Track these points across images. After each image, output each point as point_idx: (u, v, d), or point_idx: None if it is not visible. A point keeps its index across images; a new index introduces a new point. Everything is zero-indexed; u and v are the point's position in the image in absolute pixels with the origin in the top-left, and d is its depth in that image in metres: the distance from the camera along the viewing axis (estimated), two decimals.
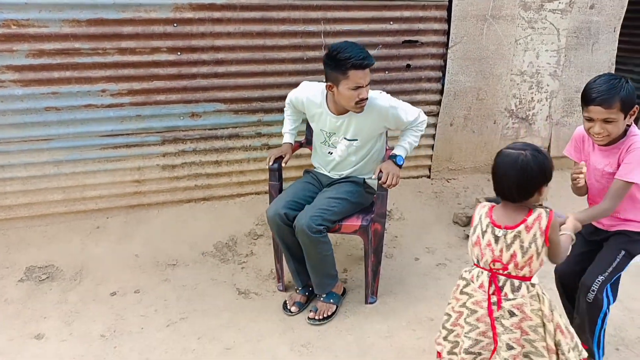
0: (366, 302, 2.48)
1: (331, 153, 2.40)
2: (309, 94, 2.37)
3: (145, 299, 2.47)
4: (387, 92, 3.20)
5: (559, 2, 3.46)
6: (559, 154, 3.83)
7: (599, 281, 1.83)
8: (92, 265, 2.69)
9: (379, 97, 2.29)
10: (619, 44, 3.74)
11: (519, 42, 3.47)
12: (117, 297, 2.49)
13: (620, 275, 1.90)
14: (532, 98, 3.65)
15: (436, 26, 3.26)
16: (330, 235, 3.12)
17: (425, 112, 3.43)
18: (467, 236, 3.02)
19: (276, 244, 2.49)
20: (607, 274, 1.84)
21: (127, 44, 2.74)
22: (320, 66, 3.08)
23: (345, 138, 2.33)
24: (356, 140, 2.34)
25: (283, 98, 3.02)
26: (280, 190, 2.47)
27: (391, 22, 3.13)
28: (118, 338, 2.20)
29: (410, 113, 2.35)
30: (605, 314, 1.87)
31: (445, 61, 3.35)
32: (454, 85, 3.41)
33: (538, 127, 3.74)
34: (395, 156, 2.33)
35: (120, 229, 2.93)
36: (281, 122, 3.11)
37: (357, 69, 2.10)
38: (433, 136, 3.52)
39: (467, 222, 3.19)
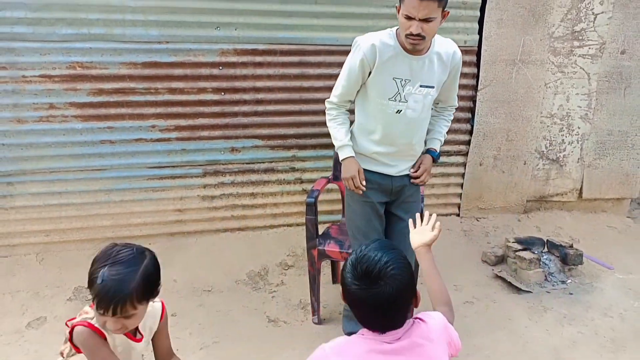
0: None
1: (400, 112, 2.03)
2: (380, 37, 1.98)
3: (181, 322, 2.61)
4: None
5: (589, 48, 3.55)
6: (591, 196, 3.84)
7: None
8: None
9: (456, 48, 2.08)
10: None
11: (549, 85, 3.55)
12: None
13: None
14: (563, 140, 3.69)
15: (466, 70, 3.38)
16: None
17: (454, 152, 3.58)
18: (496, 275, 3.07)
19: (312, 279, 2.56)
20: None
21: (177, 85, 3.00)
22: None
23: (421, 85, 2.02)
24: (432, 87, 2.04)
25: (317, 135, 3.24)
26: (317, 224, 2.52)
27: None
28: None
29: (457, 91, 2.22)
30: None
31: (474, 103, 3.47)
32: (484, 126, 3.51)
33: (569, 169, 3.76)
34: (433, 151, 2.22)
35: (161, 255, 3.02)
36: (315, 159, 3.31)
37: None
38: (462, 175, 3.60)
39: (496, 261, 3.22)
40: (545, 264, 3.10)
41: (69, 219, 3.06)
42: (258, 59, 3.05)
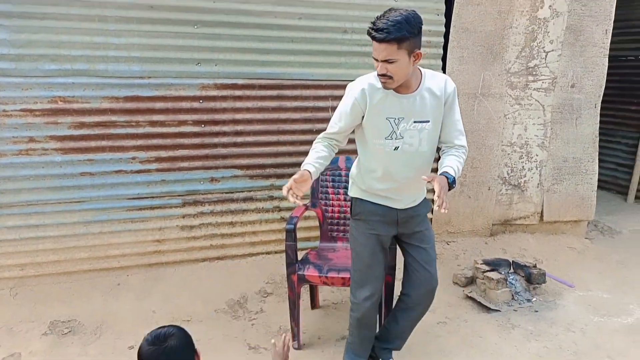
0: None
1: (397, 148, 2.08)
2: (369, 80, 2.06)
3: None
4: None
5: (542, 82, 3.86)
6: (551, 219, 4.08)
7: None
8: (112, 320, 2.86)
9: (447, 79, 2.10)
10: (607, 117, 4.09)
11: (508, 116, 3.83)
12: (134, 351, 2.60)
13: None
14: (523, 167, 3.95)
15: None
16: (334, 290, 3.32)
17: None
18: (467, 296, 3.22)
19: (292, 304, 2.62)
20: None
21: (158, 118, 3.09)
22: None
23: (415, 121, 2.05)
24: (427, 122, 2.07)
25: (295, 165, 3.37)
26: (296, 250, 2.61)
27: None
28: None
29: (461, 125, 2.16)
30: None
31: None
32: None
33: (530, 193, 4.00)
34: (445, 173, 2.05)
35: (139, 286, 3.12)
36: None
37: (371, 37, 1.89)
38: (432, 201, 3.77)
39: (466, 282, 3.37)
40: (512, 284, 3.27)
41: (46, 252, 3.04)
42: (238, 92, 3.19)
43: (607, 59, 3.98)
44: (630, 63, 5.23)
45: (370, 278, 2.25)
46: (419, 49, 1.93)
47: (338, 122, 2.14)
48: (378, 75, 1.97)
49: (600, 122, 4.11)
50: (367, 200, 2.21)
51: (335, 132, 2.16)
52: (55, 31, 2.83)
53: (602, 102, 4.04)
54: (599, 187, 4.24)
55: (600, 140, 4.15)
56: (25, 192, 2.95)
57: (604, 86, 4.01)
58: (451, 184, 2.05)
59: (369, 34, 1.90)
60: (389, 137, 2.07)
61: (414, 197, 2.24)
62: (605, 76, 4.00)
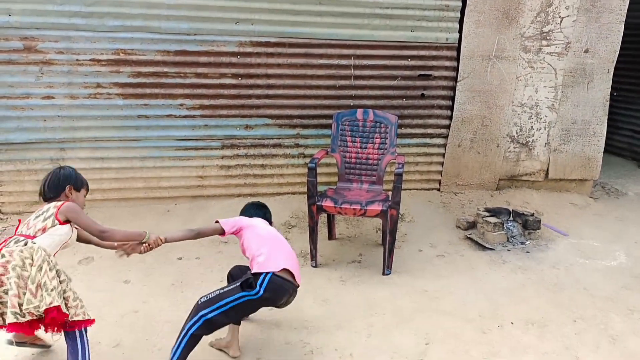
0: (383, 274, 3.12)
1: None
2: None
3: (204, 263, 3.20)
4: (404, 117, 3.92)
5: (556, 47, 4.10)
6: (556, 176, 4.41)
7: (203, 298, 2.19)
8: None
9: None
10: (624, 85, 4.27)
11: (520, 78, 4.11)
12: (183, 261, 3.23)
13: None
14: (532, 127, 4.25)
15: (447, 63, 3.96)
16: (349, 226, 3.79)
17: (436, 135, 4.14)
18: (466, 237, 3.64)
19: (311, 230, 3.13)
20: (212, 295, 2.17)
21: (202, 70, 3.58)
22: (348, 92, 3.80)
23: None
24: None
25: (318, 117, 3.83)
26: (316, 185, 3.09)
27: (409, 59, 3.86)
28: (184, 287, 2.92)
29: None
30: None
31: (454, 92, 4.03)
32: (462, 113, 4.07)
33: (537, 152, 4.31)
34: None
35: (185, 213, 3.71)
36: (316, 137, 3.90)
37: None
38: (443, 155, 4.17)
39: (468, 226, 3.78)
40: (509, 229, 3.66)
41: (109, 181, 3.65)
42: (270, 50, 3.62)
43: (623, 25, 4.15)
44: None
45: None
46: None
47: None
48: None
49: (618, 88, 4.31)
50: None
51: None
52: None
53: (620, 69, 4.22)
54: (614, 153, 4.45)
55: (617, 107, 4.34)
56: (93, 129, 3.53)
57: (618, 52, 4.20)
58: None
59: None
60: None
61: None
62: (620, 42, 4.18)
